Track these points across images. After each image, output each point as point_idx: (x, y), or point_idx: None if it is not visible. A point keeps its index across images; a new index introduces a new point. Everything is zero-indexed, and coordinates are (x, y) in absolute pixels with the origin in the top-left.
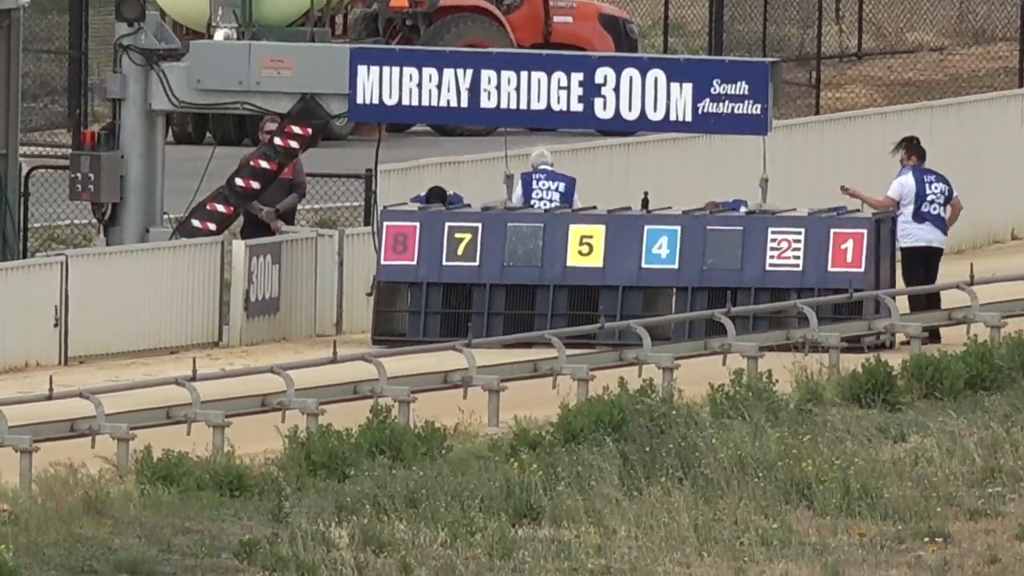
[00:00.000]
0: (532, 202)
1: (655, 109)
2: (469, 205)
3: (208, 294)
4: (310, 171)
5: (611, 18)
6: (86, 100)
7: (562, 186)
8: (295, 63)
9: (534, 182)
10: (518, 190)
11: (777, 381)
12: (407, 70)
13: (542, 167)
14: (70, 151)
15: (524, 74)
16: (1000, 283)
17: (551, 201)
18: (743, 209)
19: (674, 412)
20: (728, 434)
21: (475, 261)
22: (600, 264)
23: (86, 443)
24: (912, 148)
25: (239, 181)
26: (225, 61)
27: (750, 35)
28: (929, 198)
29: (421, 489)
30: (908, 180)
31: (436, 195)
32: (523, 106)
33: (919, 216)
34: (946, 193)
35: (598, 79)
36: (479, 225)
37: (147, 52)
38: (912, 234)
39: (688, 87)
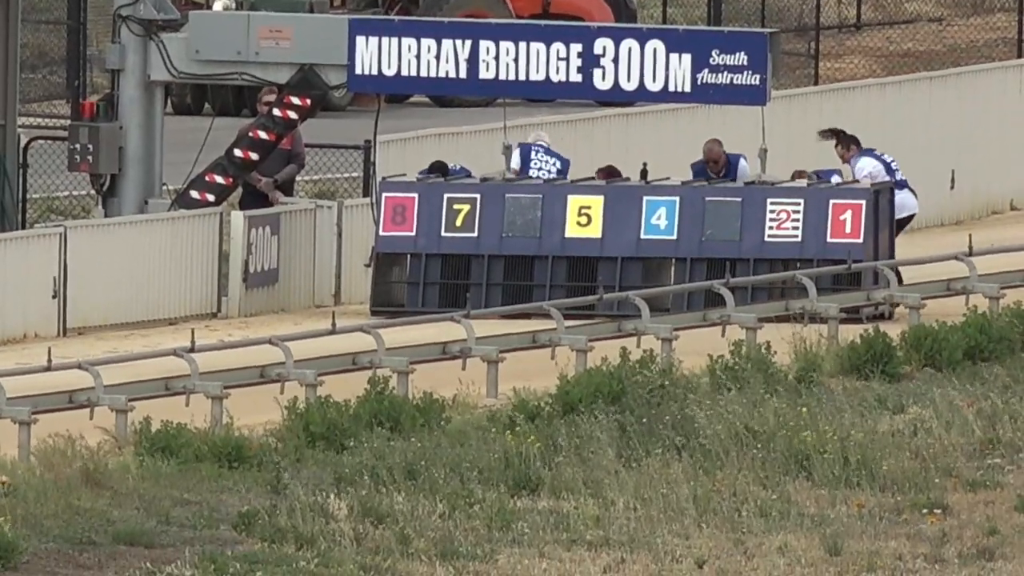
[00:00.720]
0: (531, 172)
1: (654, 80)
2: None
3: (207, 265)
4: (309, 142)
5: None
6: (85, 71)
7: (559, 163)
8: (294, 34)
9: (533, 153)
10: (516, 159)
11: (776, 352)
12: (406, 41)
13: (539, 143)
14: (69, 122)
15: (523, 45)
16: (999, 254)
17: (548, 172)
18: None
19: (672, 383)
20: (727, 405)
21: (474, 232)
22: (599, 235)
23: (85, 415)
24: (848, 138)
25: (238, 152)
26: (224, 32)
27: (749, 6)
28: (894, 166)
29: (420, 460)
30: (870, 162)
31: (438, 169)
32: (522, 77)
33: (899, 185)
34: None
35: (597, 50)
36: (477, 196)
37: (146, 23)
38: (905, 204)
39: (687, 58)
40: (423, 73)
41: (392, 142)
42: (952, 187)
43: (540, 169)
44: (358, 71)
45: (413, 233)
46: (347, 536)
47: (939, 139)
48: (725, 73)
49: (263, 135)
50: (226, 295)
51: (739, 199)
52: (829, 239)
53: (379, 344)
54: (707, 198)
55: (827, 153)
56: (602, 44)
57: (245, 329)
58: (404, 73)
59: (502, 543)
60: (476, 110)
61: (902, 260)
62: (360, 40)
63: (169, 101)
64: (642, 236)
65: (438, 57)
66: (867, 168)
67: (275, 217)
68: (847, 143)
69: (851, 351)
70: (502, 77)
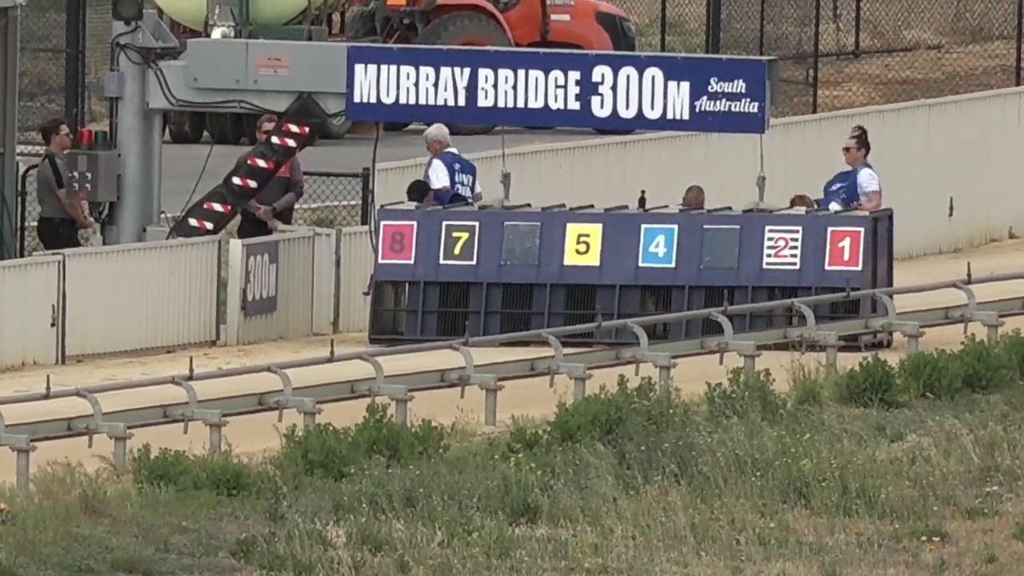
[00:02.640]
0: (456, 187)
1: (652, 107)
2: (468, 200)
3: (205, 293)
4: (307, 170)
5: (608, 16)
6: (83, 99)
7: (470, 178)
8: (292, 62)
9: (456, 165)
10: (440, 173)
11: (774, 380)
12: (404, 69)
13: (450, 150)
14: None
15: (521, 72)
16: (997, 282)
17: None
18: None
19: (671, 411)
20: (725, 433)
21: (472, 260)
22: (597, 263)
23: (83, 442)
24: (867, 143)
25: (236, 180)
26: (222, 60)
27: (747, 33)
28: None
29: (418, 488)
30: (873, 173)
31: (416, 190)
32: (520, 104)
33: None
34: None
35: (595, 77)
36: (476, 224)
37: (144, 51)
38: None
39: (685, 85)
40: (422, 101)
41: (391, 170)
42: (951, 214)
43: (464, 185)
44: (357, 99)
45: (412, 261)
46: (345, 564)
47: (938, 167)
48: (723, 101)
49: (261, 163)
50: (224, 323)
51: (737, 227)
52: (827, 267)
53: (378, 372)
54: (705, 226)
55: (824, 181)
56: (600, 72)
57: (243, 357)
58: (403, 101)
59: (500, 571)
60: (475, 138)
61: (901, 288)
62: (359, 68)
63: (168, 129)
64: (640, 264)
65: (437, 85)
66: (876, 177)
67: (273, 245)
68: (865, 147)
69: (850, 379)
70: (500, 105)
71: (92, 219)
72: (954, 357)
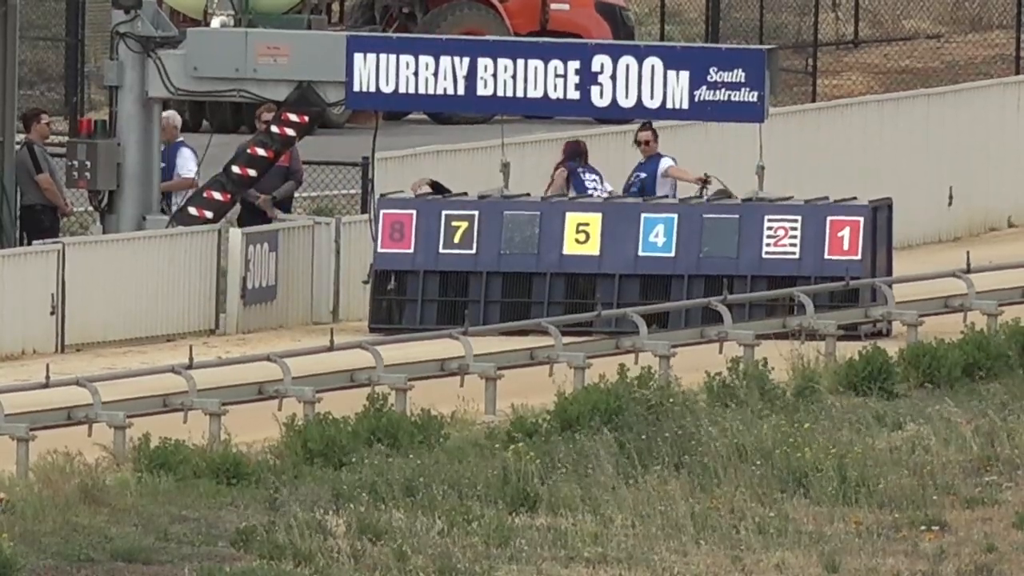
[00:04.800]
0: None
1: (652, 97)
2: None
3: (205, 282)
4: (307, 159)
5: (608, 6)
6: (83, 88)
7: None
8: (292, 51)
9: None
10: (191, 164)
11: (774, 369)
12: (404, 58)
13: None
14: (66, 139)
15: (521, 62)
16: (997, 271)
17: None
18: (665, 163)
19: (671, 400)
20: (725, 422)
21: (472, 249)
22: (597, 252)
23: (83, 431)
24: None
25: (236, 169)
26: (222, 48)
27: (747, 23)
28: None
29: (418, 477)
30: (672, 159)
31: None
32: (520, 94)
33: None
34: None
35: (595, 67)
36: (476, 213)
37: (144, 39)
38: None
39: (685, 75)
40: (421, 90)
41: (390, 159)
42: (950, 204)
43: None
44: (356, 88)
45: (411, 250)
46: (345, 553)
47: (937, 156)
48: (723, 90)
49: (261, 152)
50: (224, 312)
51: (737, 216)
52: (827, 256)
53: (377, 361)
54: (705, 215)
55: (824, 170)
56: (600, 61)
57: (243, 346)
58: (402, 90)
59: (500, 560)
60: (474, 127)
61: (900, 277)
62: (358, 57)
63: None
64: (640, 253)
65: (436, 74)
66: (674, 161)
67: (273, 234)
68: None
69: (849, 368)
70: (500, 94)
71: (72, 206)
72: (953, 346)
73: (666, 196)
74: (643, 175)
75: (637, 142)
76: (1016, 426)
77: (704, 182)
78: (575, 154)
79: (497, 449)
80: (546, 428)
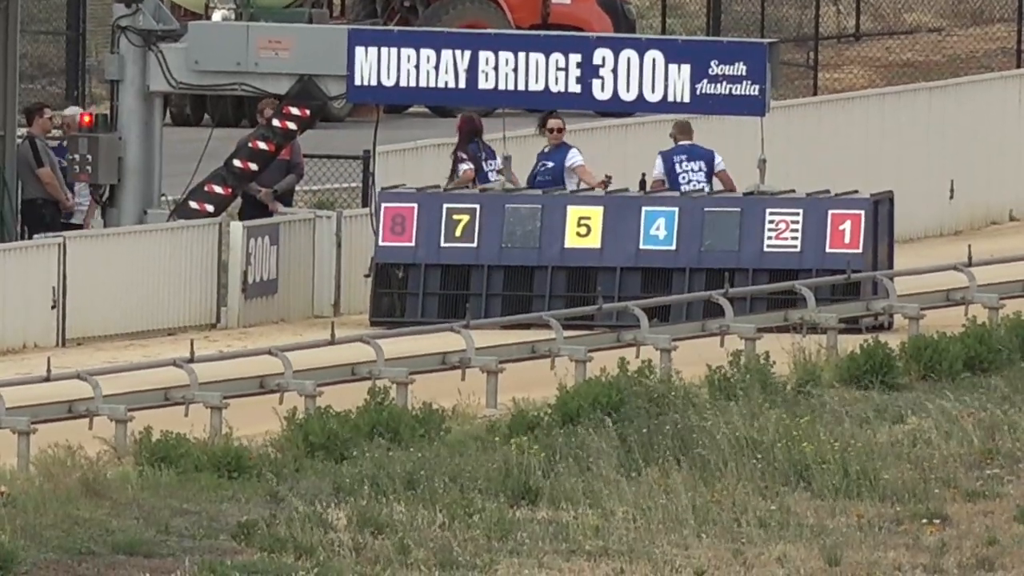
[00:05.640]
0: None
1: (653, 90)
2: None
3: (206, 276)
4: (308, 152)
5: None
6: (84, 81)
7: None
8: (293, 44)
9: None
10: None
11: (775, 362)
12: (405, 51)
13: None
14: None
15: (522, 55)
16: (998, 264)
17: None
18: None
19: (672, 393)
20: (726, 416)
21: (473, 242)
22: (598, 245)
23: (84, 425)
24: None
25: (237, 162)
26: (223, 42)
27: (748, 16)
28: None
29: (419, 471)
30: (578, 150)
31: (471, 131)
32: (521, 87)
33: None
34: None
35: (596, 60)
36: (477, 206)
37: (145, 33)
38: None
39: (686, 68)
40: (422, 83)
41: (391, 152)
42: (951, 197)
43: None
44: (357, 82)
45: (412, 244)
46: (346, 546)
47: (938, 149)
48: (724, 83)
49: (262, 145)
50: (225, 305)
51: (738, 209)
52: (828, 249)
53: (379, 355)
54: (706, 208)
55: (826, 163)
56: (601, 54)
57: (244, 339)
58: (403, 84)
59: (501, 553)
60: None
61: (902, 270)
62: (359, 51)
63: (168, 112)
64: (641, 246)
65: (437, 67)
66: (580, 153)
67: (274, 227)
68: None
69: (850, 361)
70: (501, 87)
71: (74, 200)
72: (955, 339)
73: (576, 189)
74: (550, 164)
75: (549, 129)
76: (1017, 419)
77: (606, 185)
78: (473, 133)
79: (498, 443)
80: (547, 422)
